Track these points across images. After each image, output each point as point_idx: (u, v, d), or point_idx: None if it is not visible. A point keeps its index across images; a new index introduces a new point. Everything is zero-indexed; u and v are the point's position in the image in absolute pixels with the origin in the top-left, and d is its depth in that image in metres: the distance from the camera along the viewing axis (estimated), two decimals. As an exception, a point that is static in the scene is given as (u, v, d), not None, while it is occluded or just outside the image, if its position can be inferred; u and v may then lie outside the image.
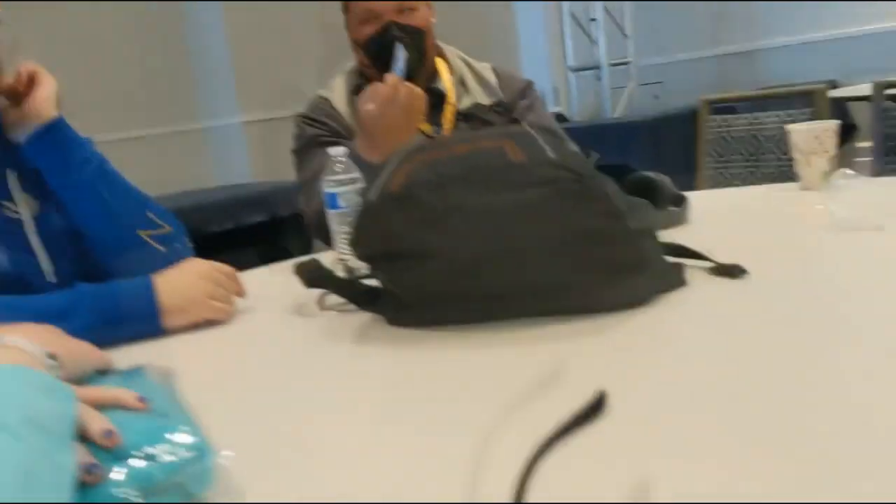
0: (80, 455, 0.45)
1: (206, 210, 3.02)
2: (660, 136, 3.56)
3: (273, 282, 1.20)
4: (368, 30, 1.44)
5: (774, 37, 5.04)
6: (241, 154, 4.21)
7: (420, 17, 1.45)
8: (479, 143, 0.88)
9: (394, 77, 1.31)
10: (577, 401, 0.39)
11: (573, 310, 0.82)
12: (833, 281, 0.88)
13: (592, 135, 3.72)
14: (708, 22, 5.40)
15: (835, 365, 0.62)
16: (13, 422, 0.42)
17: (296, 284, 0.92)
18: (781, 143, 1.88)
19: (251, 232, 3.11)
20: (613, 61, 5.40)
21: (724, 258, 0.92)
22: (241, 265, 1.11)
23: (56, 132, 1.05)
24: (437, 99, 1.47)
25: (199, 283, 0.98)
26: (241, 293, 1.03)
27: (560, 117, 4.67)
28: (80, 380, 0.60)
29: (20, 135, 1.04)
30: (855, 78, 3.79)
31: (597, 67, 5.44)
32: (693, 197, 1.32)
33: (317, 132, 1.47)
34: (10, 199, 1.03)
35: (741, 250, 0.94)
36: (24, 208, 1.04)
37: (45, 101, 1.04)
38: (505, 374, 0.70)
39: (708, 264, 0.94)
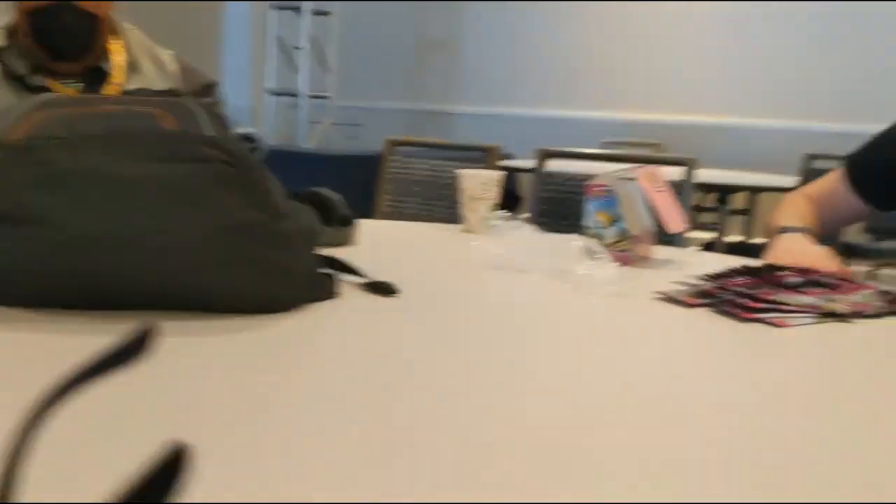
0: None
1: None
2: (349, 173, 3.61)
3: None
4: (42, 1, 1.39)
5: (467, 104, 5.44)
6: None
7: (97, 5, 1.43)
8: (131, 107, 0.78)
9: None
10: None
11: (211, 307, 0.74)
12: (479, 308, 0.91)
13: (282, 160, 3.67)
14: (409, 76, 5.68)
15: (469, 379, 0.62)
16: None
17: None
18: (453, 193, 1.96)
19: None
20: (313, 93, 5.42)
21: (381, 278, 0.91)
22: None
23: None
24: (101, 77, 1.45)
25: None
26: None
27: (248, 138, 4.54)
28: None
29: None
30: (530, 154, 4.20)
31: (295, 95, 5.43)
32: (364, 224, 1.32)
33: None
34: None
35: (398, 274, 0.94)
36: None
37: None
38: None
39: (362, 280, 0.92)
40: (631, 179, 1.22)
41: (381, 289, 0.90)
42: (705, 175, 3.12)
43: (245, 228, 0.75)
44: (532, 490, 0.42)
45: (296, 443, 0.47)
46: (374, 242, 1.29)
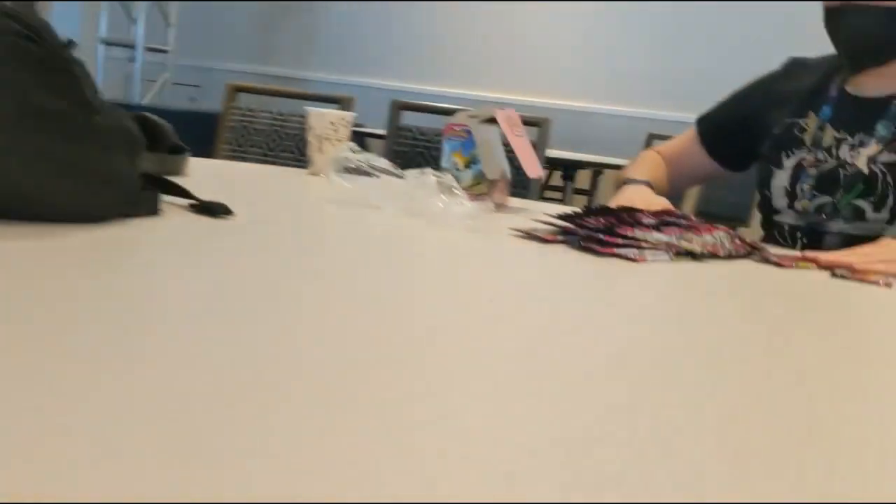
0: None
1: None
2: (186, 132, 3.39)
3: None
4: None
5: (322, 72, 5.26)
6: None
7: None
8: None
9: None
10: None
11: (7, 208, 0.61)
12: (323, 238, 0.82)
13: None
14: (260, 36, 5.42)
15: (310, 307, 0.53)
16: None
17: None
18: (301, 143, 1.85)
19: None
20: (152, 45, 5.07)
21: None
22: None
23: None
24: None
25: None
26: None
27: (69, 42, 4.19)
28: None
29: None
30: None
31: (131, 47, 5.06)
32: (198, 161, 1.20)
33: None
34: None
35: (234, 204, 0.84)
36: None
37: None
38: None
39: (191, 202, 0.81)
40: (490, 122, 1.17)
41: (213, 209, 0.80)
42: (552, 153, 3.17)
43: (48, 116, 0.63)
44: (386, 415, 0.35)
45: (104, 364, 0.37)
46: (209, 176, 1.17)
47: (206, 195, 0.84)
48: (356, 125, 1.47)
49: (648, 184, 1.26)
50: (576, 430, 0.32)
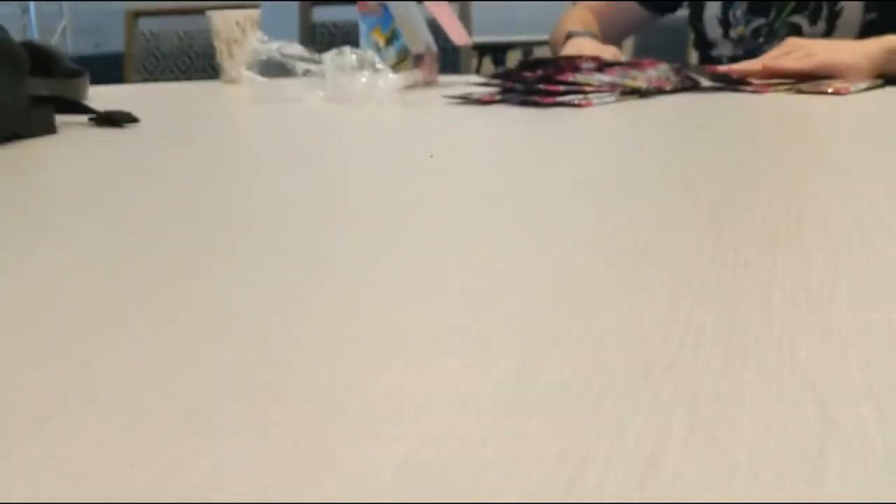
0: None
1: None
2: (94, 74, 3.20)
3: None
4: None
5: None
6: None
7: None
8: None
9: None
10: None
11: None
12: (239, 138, 0.75)
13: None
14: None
15: (233, 212, 0.47)
16: None
17: None
18: (213, 59, 1.73)
19: None
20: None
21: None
22: None
23: None
24: None
25: None
26: None
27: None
28: None
29: None
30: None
31: (22, -1, 4.73)
32: (105, 89, 1.11)
33: None
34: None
35: (140, 114, 0.76)
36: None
37: None
38: None
39: (91, 116, 0.74)
40: (405, -7, 1.09)
41: (116, 119, 0.72)
42: (479, 39, 3.07)
43: None
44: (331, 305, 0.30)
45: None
46: (114, 97, 1.08)
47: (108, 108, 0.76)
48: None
49: (592, 34, 1.20)
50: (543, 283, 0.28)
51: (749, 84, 0.88)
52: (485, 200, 0.38)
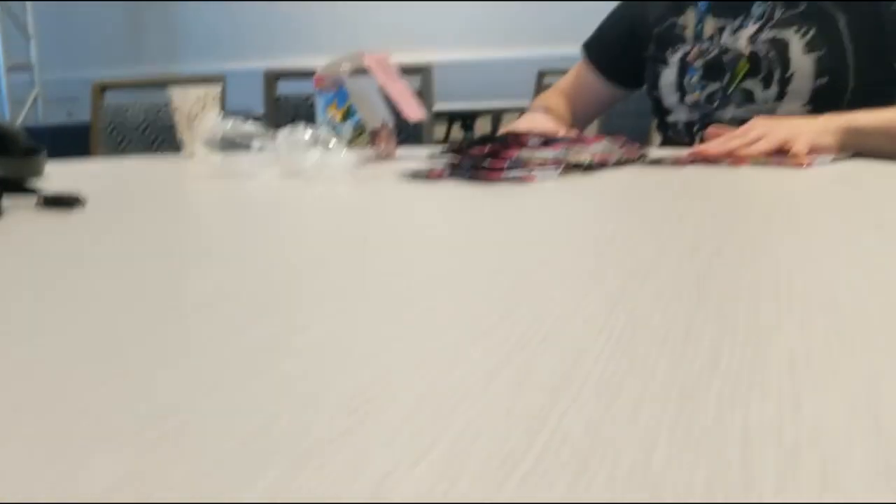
0: None
1: None
2: (66, 143, 3.22)
3: None
4: None
5: (192, 63, 5.05)
6: None
7: None
8: None
9: None
10: None
11: None
12: (190, 216, 0.76)
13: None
14: (124, 39, 5.18)
15: (168, 285, 0.48)
16: None
17: None
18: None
19: None
20: (14, 64, 4.78)
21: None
22: None
23: None
24: None
25: None
26: None
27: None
28: None
29: None
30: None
31: (-8, 70, 4.77)
32: (65, 165, 1.11)
33: None
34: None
35: (90, 194, 0.77)
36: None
37: None
38: None
39: (37, 196, 0.74)
40: (360, 70, 1.12)
41: (62, 202, 0.73)
42: (448, 106, 3.12)
43: None
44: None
45: None
46: (72, 173, 1.08)
47: (62, 189, 0.77)
48: (245, 112, 1.38)
49: (547, 110, 1.23)
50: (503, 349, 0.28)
51: (728, 157, 0.90)
52: (409, 281, 0.39)
